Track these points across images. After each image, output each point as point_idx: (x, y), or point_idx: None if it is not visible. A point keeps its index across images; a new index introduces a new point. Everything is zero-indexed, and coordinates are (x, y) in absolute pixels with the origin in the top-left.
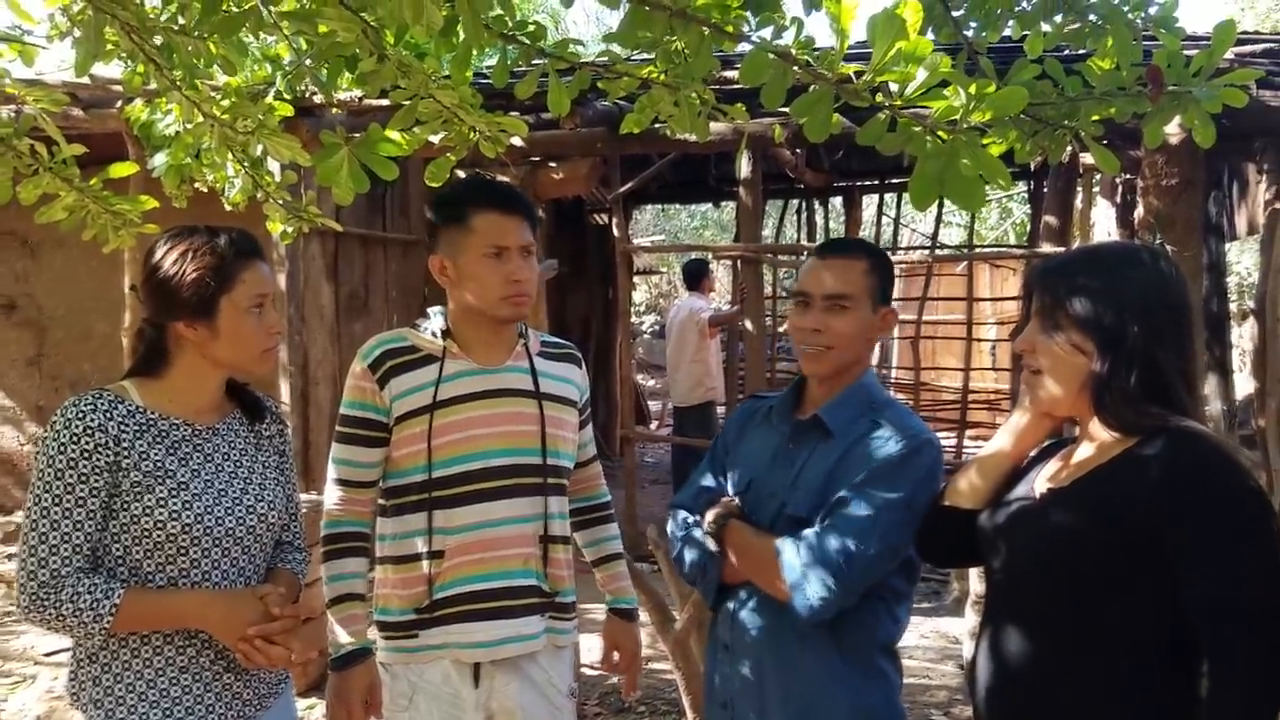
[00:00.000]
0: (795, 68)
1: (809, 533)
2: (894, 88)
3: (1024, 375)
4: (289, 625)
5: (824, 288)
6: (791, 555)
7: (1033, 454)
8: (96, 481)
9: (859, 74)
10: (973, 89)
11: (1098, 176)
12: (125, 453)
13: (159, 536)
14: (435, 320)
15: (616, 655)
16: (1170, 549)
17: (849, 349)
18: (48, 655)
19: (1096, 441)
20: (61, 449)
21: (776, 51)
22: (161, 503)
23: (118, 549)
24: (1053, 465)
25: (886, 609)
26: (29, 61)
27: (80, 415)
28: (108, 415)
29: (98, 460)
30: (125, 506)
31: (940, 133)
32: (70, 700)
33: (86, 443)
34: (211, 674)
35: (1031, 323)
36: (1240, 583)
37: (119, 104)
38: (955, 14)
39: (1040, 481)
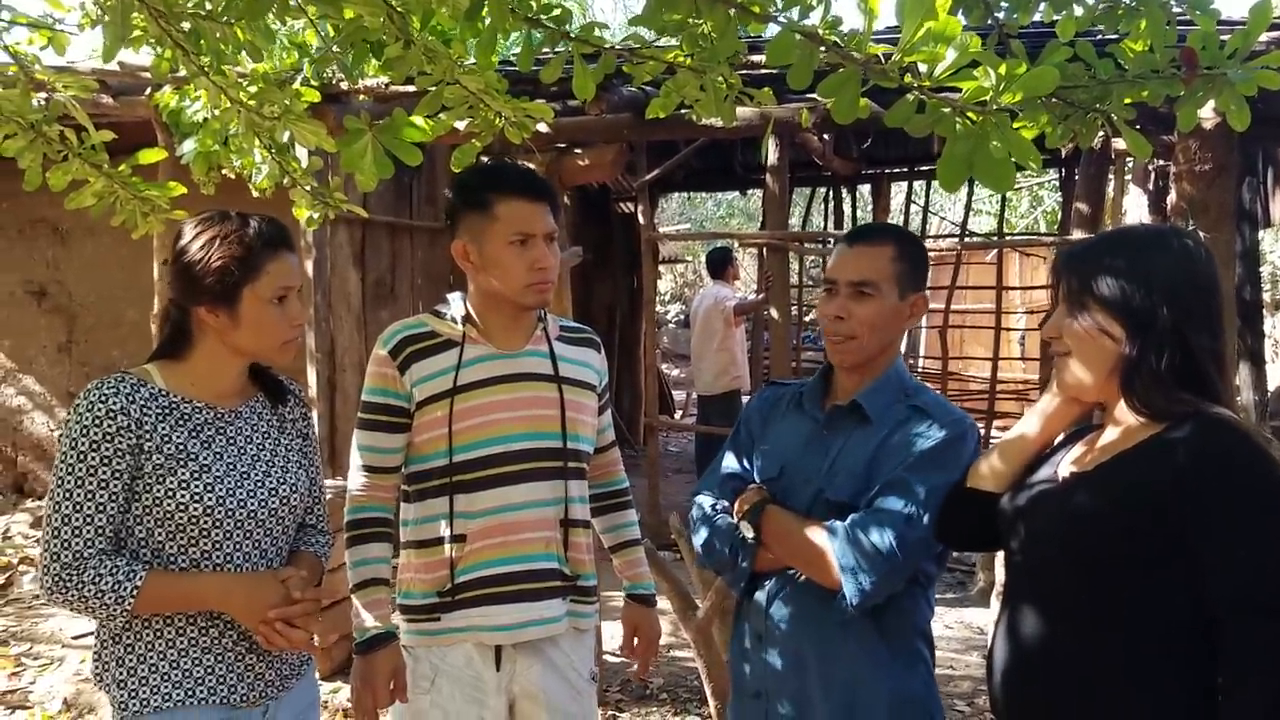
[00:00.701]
0: (822, 48)
1: (857, 517)
2: (923, 68)
3: (1055, 360)
4: (310, 608)
5: (848, 274)
6: (841, 540)
7: (1059, 439)
8: (119, 464)
9: (887, 55)
10: (1002, 70)
11: (1130, 163)
12: (148, 435)
13: (181, 519)
14: (455, 305)
15: (636, 640)
16: (1194, 536)
17: (873, 337)
18: (75, 638)
19: (1123, 426)
20: (85, 432)
21: (803, 31)
22: (184, 485)
23: (141, 531)
24: (1077, 449)
25: (923, 593)
26: (60, 50)
27: (103, 398)
28: (130, 398)
29: (120, 443)
30: (148, 489)
31: (970, 114)
32: (95, 681)
33: (109, 425)
34: (234, 654)
35: (1059, 308)
36: (1263, 575)
37: (148, 91)
38: None
39: (1064, 465)
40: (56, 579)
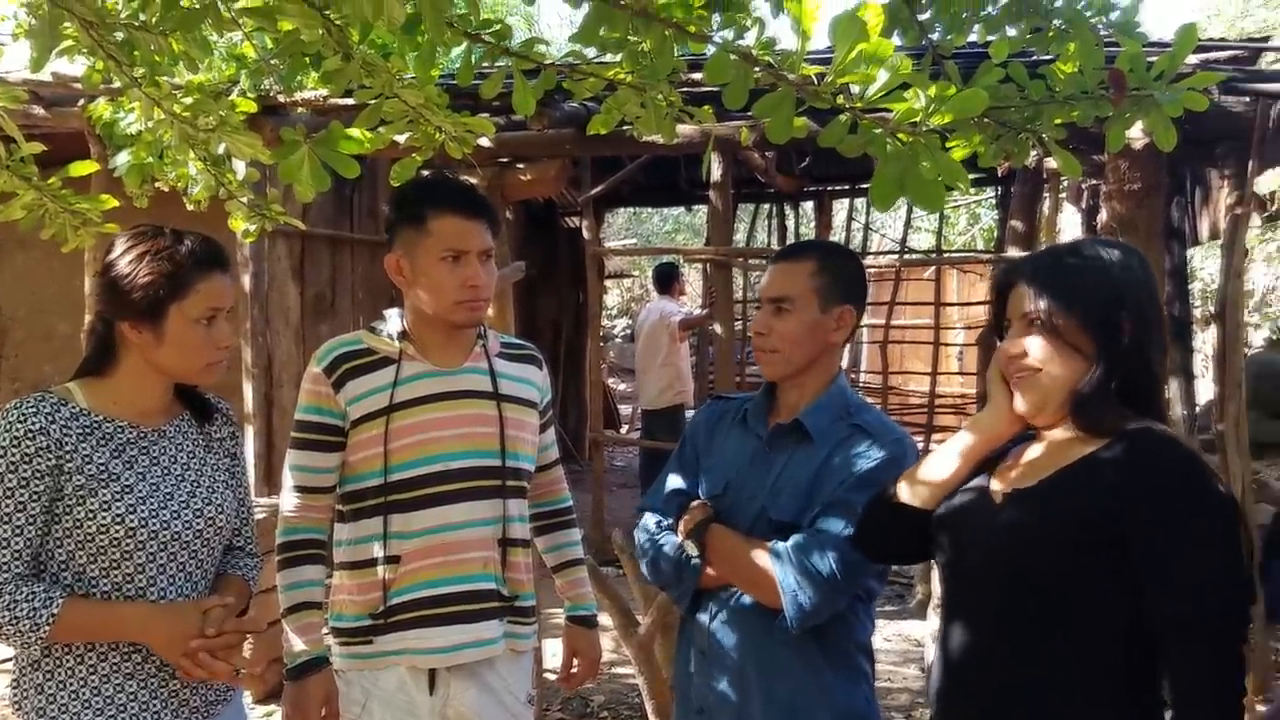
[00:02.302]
0: (756, 69)
1: (798, 538)
2: (855, 90)
3: (1002, 376)
4: (233, 640)
5: (768, 291)
6: (782, 561)
7: None
8: (38, 486)
9: (821, 76)
10: (933, 91)
11: (1064, 181)
12: (69, 456)
13: (103, 541)
14: (392, 322)
15: (576, 663)
16: (1137, 552)
17: (795, 350)
18: None
19: (1053, 440)
20: (2, 453)
21: (738, 52)
22: (106, 506)
23: (61, 554)
24: (1007, 463)
25: (865, 609)
26: None
27: (22, 418)
28: (50, 418)
29: (39, 464)
30: (69, 511)
31: (901, 135)
32: (13, 709)
33: (28, 446)
34: (158, 680)
35: (1019, 324)
36: (1203, 595)
37: (81, 102)
38: (921, 17)
39: (995, 480)
40: None
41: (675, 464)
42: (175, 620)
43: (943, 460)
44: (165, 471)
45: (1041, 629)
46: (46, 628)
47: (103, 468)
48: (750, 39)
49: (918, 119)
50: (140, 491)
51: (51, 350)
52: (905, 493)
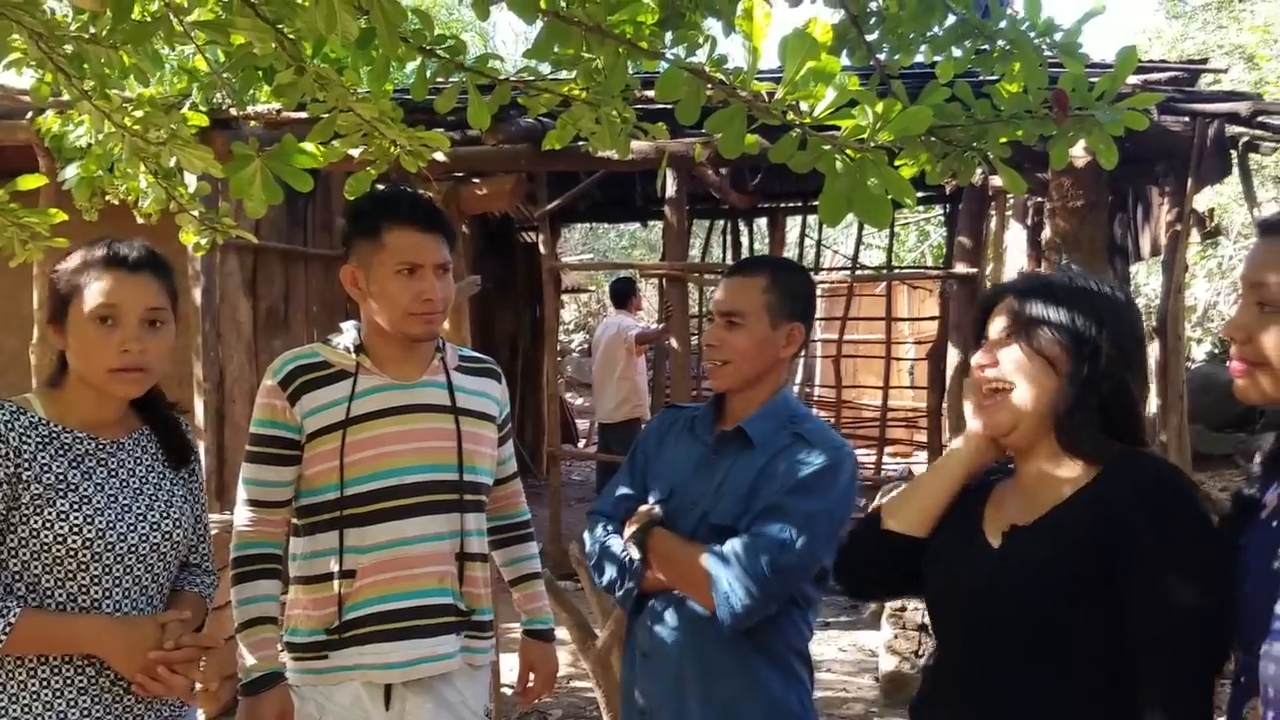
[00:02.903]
0: (708, 85)
1: (734, 541)
2: (804, 107)
3: (977, 396)
4: (190, 654)
5: (720, 305)
6: (717, 563)
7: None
8: None
9: (771, 93)
10: (879, 108)
11: (1010, 199)
12: (26, 464)
13: (59, 551)
14: (348, 335)
15: (532, 677)
16: (1126, 578)
17: (745, 363)
18: None
19: (1044, 473)
20: None
21: (690, 69)
22: (63, 516)
23: (15, 565)
24: (1001, 498)
25: (801, 615)
26: None
27: None
28: (9, 426)
29: None
30: (25, 520)
31: (849, 151)
32: None
33: None
34: (112, 695)
35: (995, 339)
36: (1180, 614)
37: (29, 115)
38: (869, 38)
39: (990, 519)
40: None
41: (626, 471)
42: (132, 633)
43: (927, 486)
44: (123, 484)
45: (1038, 661)
46: (1, 638)
47: (60, 477)
48: (702, 56)
49: (865, 136)
50: (98, 502)
51: (13, 368)
52: (893, 520)
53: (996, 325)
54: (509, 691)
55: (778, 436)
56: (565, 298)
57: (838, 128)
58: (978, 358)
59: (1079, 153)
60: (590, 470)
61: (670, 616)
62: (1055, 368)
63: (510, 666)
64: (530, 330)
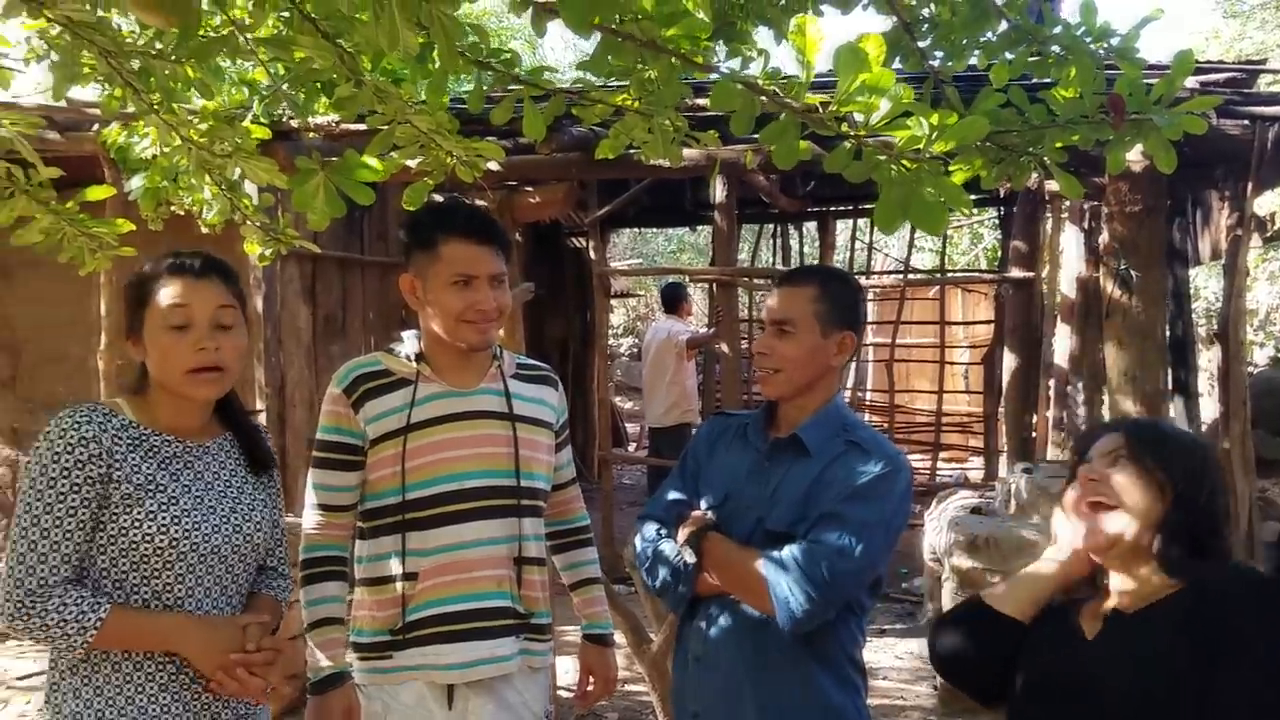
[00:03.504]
0: (762, 97)
1: (793, 547)
2: (858, 118)
3: (1078, 508)
4: (270, 657)
5: (772, 314)
6: (775, 568)
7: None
8: (88, 492)
9: (825, 104)
10: (934, 119)
11: (1066, 203)
12: (117, 465)
13: (146, 550)
14: (409, 343)
15: (591, 681)
16: (1215, 674)
17: (796, 372)
18: (21, 679)
19: (1136, 589)
20: (55, 458)
21: (744, 81)
22: (150, 516)
23: (103, 561)
24: (1092, 605)
25: (856, 622)
26: (4, 86)
27: (75, 425)
28: (101, 427)
29: (90, 471)
30: (114, 519)
31: (904, 161)
32: (50, 713)
33: (80, 453)
34: (190, 693)
35: (1106, 457)
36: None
37: (94, 127)
38: (921, 44)
39: (1085, 618)
40: (19, 605)
41: (676, 476)
42: (214, 633)
43: (1029, 579)
44: (207, 487)
45: None
46: (93, 632)
47: (149, 478)
48: (755, 69)
49: (920, 146)
50: (184, 504)
51: (64, 372)
52: (996, 600)
53: (1106, 446)
54: (565, 694)
55: (832, 444)
56: (613, 302)
57: (892, 136)
58: (1087, 469)
59: (1136, 157)
60: (640, 474)
61: (724, 620)
62: (1163, 493)
63: (565, 669)
64: (580, 335)
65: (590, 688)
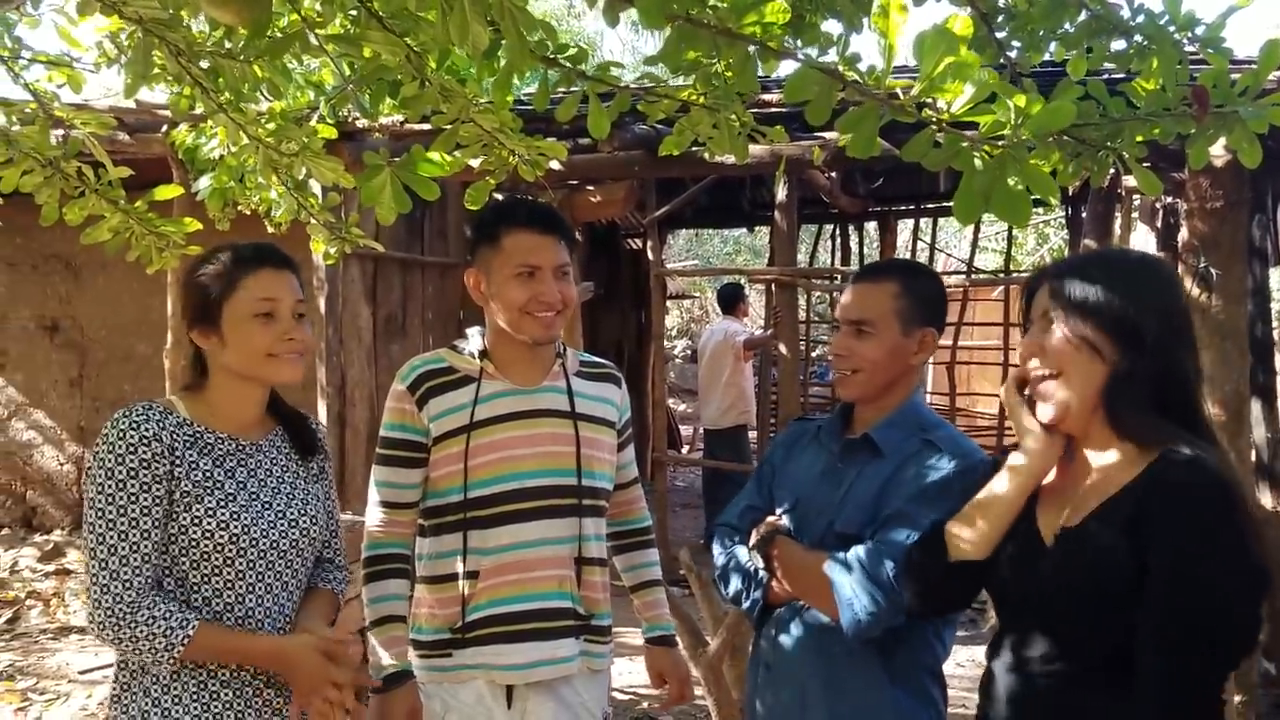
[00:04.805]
0: (841, 85)
1: (858, 549)
2: (940, 104)
3: (1030, 388)
4: (356, 685)
5: (848, 313)
6: (841, 571)
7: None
8: (158, 490)
9: (905, 90)
10: (1020, 103)
11: (1136, 201)
12: (179, 462)
13: (206, 547)
14: (473, 341)
15: (667, 685)
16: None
17: (876, 373)
18: (82, 673)
19: (1098, 460)
20: (120, 460)
21: (822, 68)
22: (210, 513)
23: (165, 560)
24: (1055, 488)
25: (934, 631)
26: (77, 88)
27: (135, 425)
28: (161, 424)
29: (157, 469)
30: (175, 516)
31: (987, 148)
32: (118, 711)
33: (144, 452)
34: (253, 689)
35: (1036, 326)
36: (1178, 616)
37: (164, 128)
38: (998, 35)
39: (1042, 510)
40: (109, 615)
41: (753, 483)
42: (313, 660)
43: (996, 511)
44: (262, 483)
45: (1104, 646)
46: (180, 648)
47: (207, 475)
48: (833, 55)
49: (1005, 132)
50: (241, 500)
51: (131, 371)
52: (958, 550)
53: (1039, 307)
54: (620, 697)
55: (906, 444)
56: (669, 304)
57: (972, 125)
58: (1023, 349)
59: (1217, 151)
60: (695, 476)
61: (795, 628)
62: (1100, 352)
63: (620, 671)
64: (635, 336)
65: (668, 691)
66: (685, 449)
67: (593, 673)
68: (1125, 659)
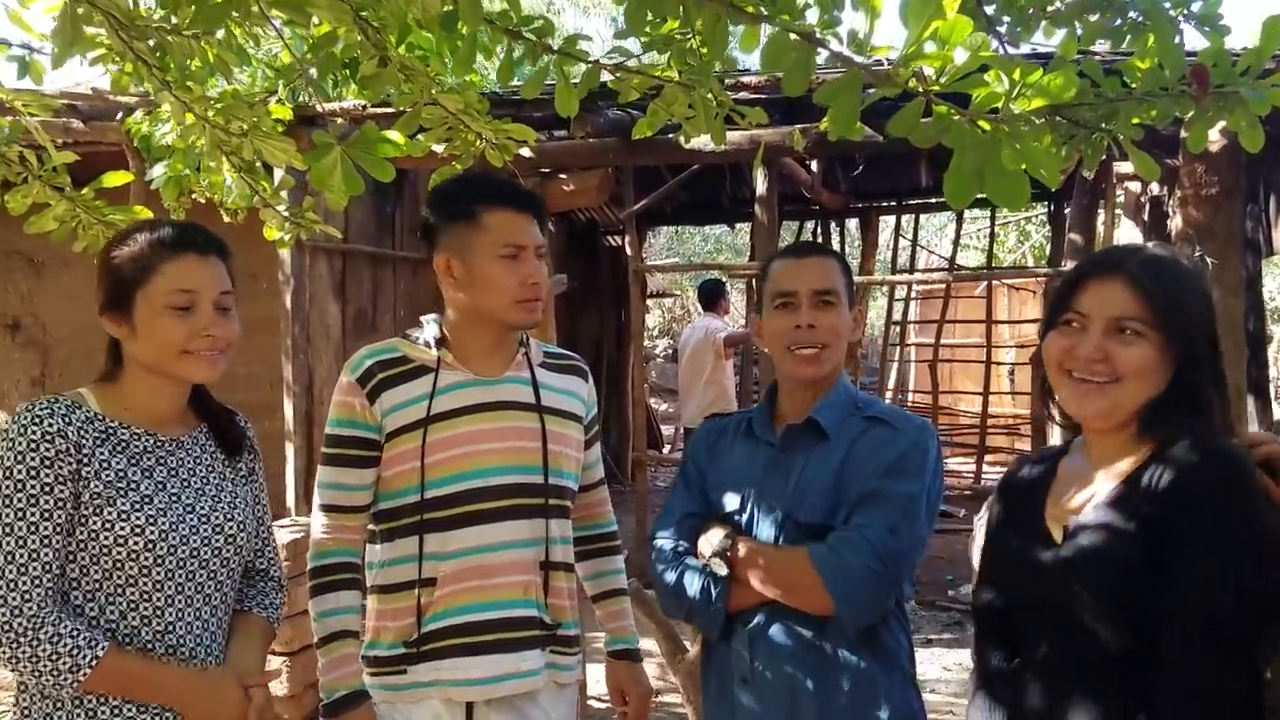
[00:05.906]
0: (821, 50)
1: (838, 535)
2: (929, 72)
3: (1072, 390)
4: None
5: (811, 284)
6: (828, 558)
7: (1027, 470)
8: (62, 491)
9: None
10: (1016, 75)
11: (1120, 196)
12: (86, 461)
13: (119, 554)
14: (428, 329)
15: (627, 700)
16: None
17: (840, 347)
18: None
19: (1100, 452)
20: (20, 458)
21: (800, 31)
22: (124, 516)
23: (73, 570)
24: (1061, 484)
25: (898, 619)
26: (38, 78)
27: (37, 420)
28: (66, 420)
29: (60, 468)
30: (84, 521)
31: (981, 122)
32: None
33: (47, 450)
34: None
35: (1106, 324)
36: (1198, 613)
37: (120, 116)
38: (987, 9)
39: (1051, 516)
40: (4, 630)
41: (681, 487)
42: (217, 694)
43: None
44: (184, 484)
45: (1121, 646)
46: (86, 671)
47: (121, 474)
48: (812, 18)
49: (999, 105)
50: (159, 503)
51: (94, 370)
52: None
53: (1104, 307)
54: (596, 706)
55: (849, 424)
56: (649, 303)
57: (964, 99)
58: (1089, 350)
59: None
60: (674, 476)
61: (776, 633)
62: (1163, 360)
63: (596, 678)
64: (615, 334)
65: (625, 709)
66: (666, 448)
67: (559, 687)
68: (1138, 655)
